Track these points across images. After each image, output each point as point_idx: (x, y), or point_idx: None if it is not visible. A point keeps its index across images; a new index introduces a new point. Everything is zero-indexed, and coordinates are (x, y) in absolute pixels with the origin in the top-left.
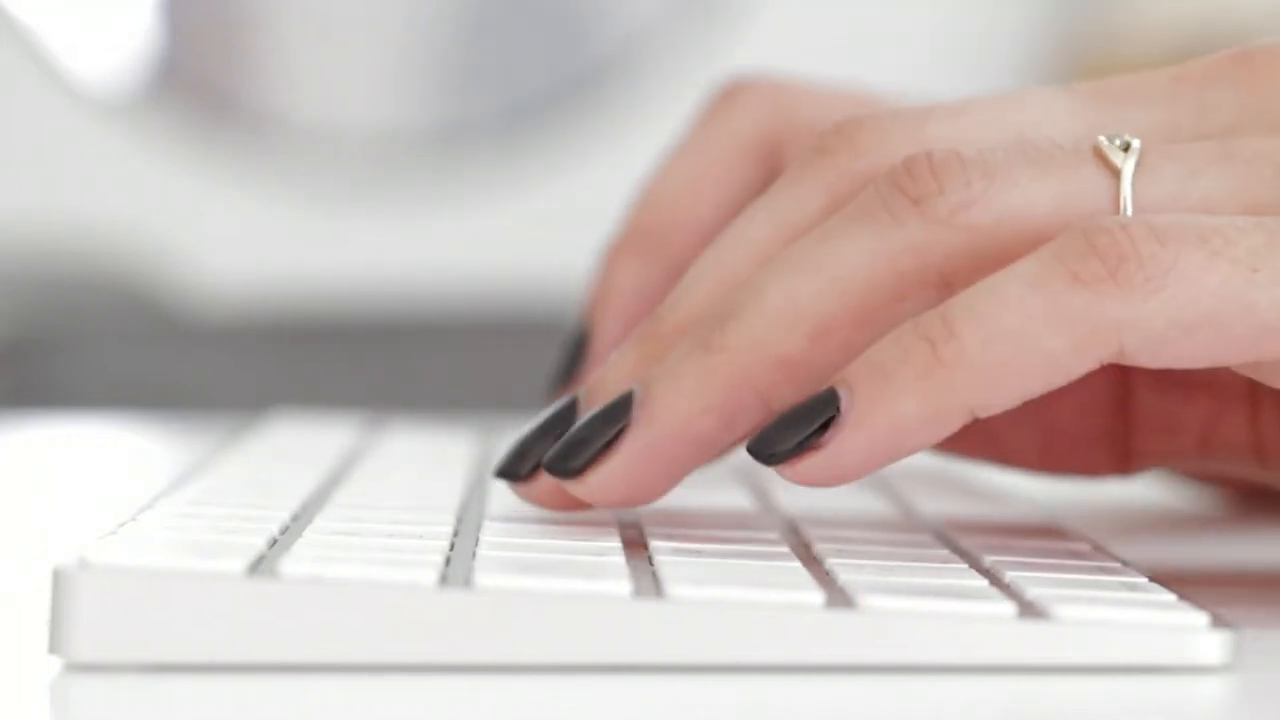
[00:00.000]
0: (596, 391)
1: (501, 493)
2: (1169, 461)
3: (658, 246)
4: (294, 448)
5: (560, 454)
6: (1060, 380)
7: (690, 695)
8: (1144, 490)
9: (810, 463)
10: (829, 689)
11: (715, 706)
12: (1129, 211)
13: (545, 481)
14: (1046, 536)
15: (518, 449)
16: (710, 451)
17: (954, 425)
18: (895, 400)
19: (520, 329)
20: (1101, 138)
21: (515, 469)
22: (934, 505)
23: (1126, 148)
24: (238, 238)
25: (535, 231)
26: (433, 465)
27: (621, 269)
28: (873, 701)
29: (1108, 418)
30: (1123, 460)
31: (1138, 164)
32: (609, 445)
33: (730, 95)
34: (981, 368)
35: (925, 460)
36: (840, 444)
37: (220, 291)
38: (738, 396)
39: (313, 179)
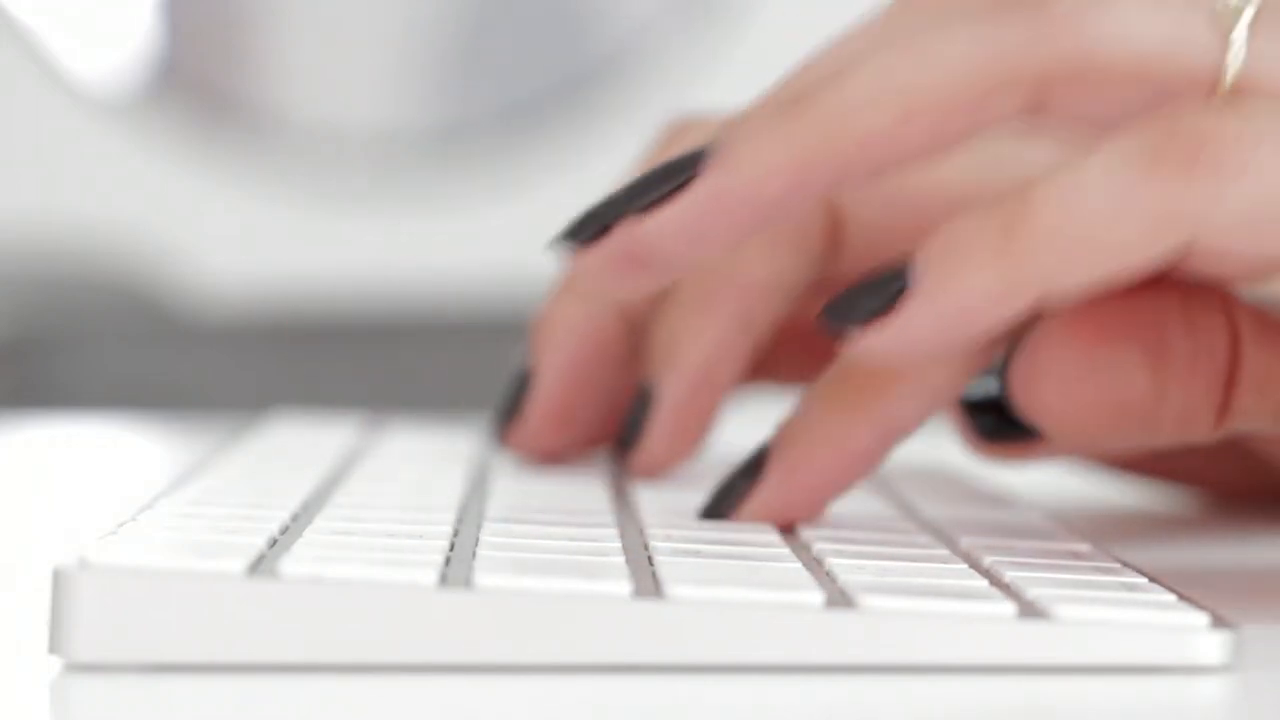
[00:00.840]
0: (727, 152)
1: (501, 493)
2: (1252, 422)
3: None
4: (294, 448)
5: (627, 193)
6: (1132, 266)
7: (690, 695)
8: (1144, 490)
9: (880, 332)
10: (829, 689)
11: (715, 706)
12: (1239, 60)
13: (605, 246)
14: (1046, 536)
15: (634, 186)
16: (771, 216)
17: (1024, 305)
18: (966, 274)
19: (520, 329)
20: None
21: (624, 205)
22: (934, 505)
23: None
24: (238, 238)
25: (535, 231)
26: (433, 465)
27: (568, 305)
28: (873, 701)
29: (1226, 373)
30: (1219, 419)
31: (1255, 17)
32: (678, 190)
33: (673, 134)
34: (1054, 249)
35: (925, 460)
36: (909, 314)
37: (220, 291)
38: (813, 164)
39: (313, 179)
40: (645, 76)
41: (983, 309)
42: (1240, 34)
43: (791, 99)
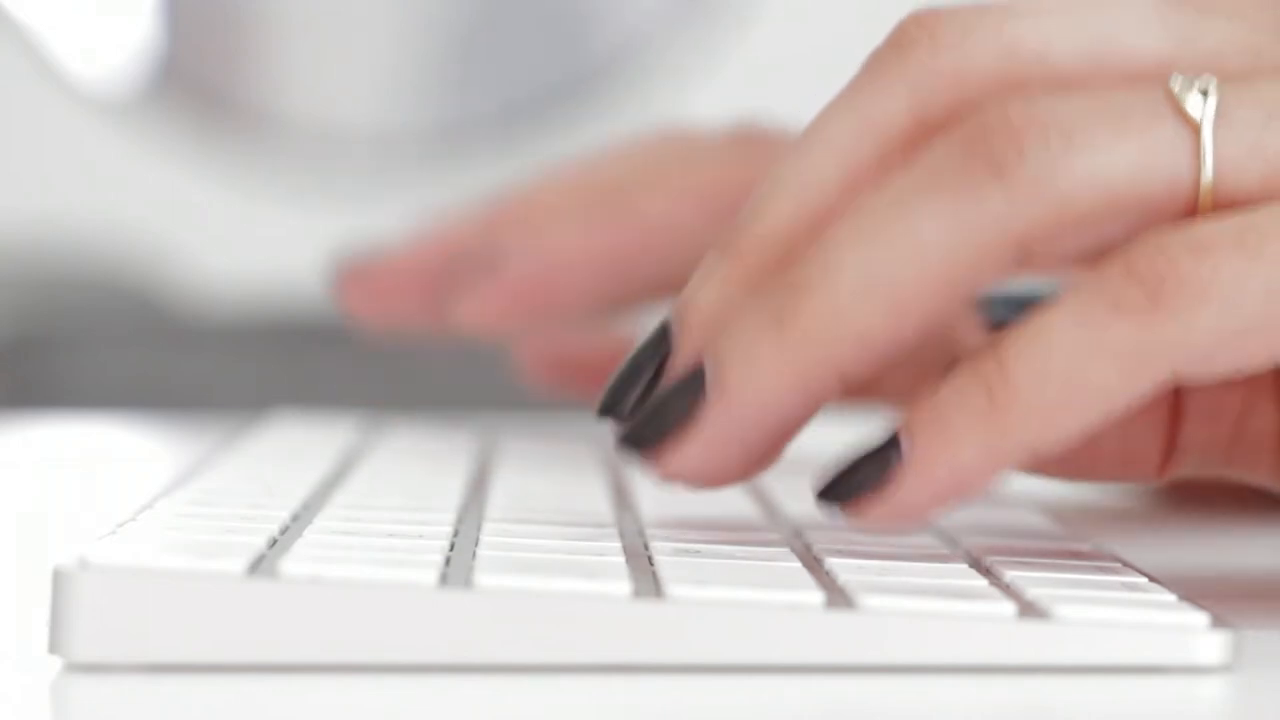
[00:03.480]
0: (684, 314)
1: (501, 493)
2: (1202, 458)
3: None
4: (294, 448)
5: (636, 434)
6: (1118, 410)
7: (690, 695)
8: (1143, 491)
9: (874, 508)
10: (829, 689)
11: (715, 706)
12: (1209, 165)
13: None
14: (1046, 537)
15: (614, 386)
16: (792, 427)
17: (1015, 466)
18: (954, 447)
19: None
20: (1175, 83)
21: (616, 408)
22: None
23: (1205, 92)
24: (238, 238)
25: None
26: (433, 465)
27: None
28: (873, 701)
29: (1167, 404)
30: (1166, 456)
31: (1216, 113)
32: (685, 422)
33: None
34: (1036, 409)
35: None
36: (903, 491)
37: (220, 291)
38: (815, 375)
39: (313, 179)
40: (645, 76)
41: (974, 477)
42: (1208, 132)
43: (775, 310)
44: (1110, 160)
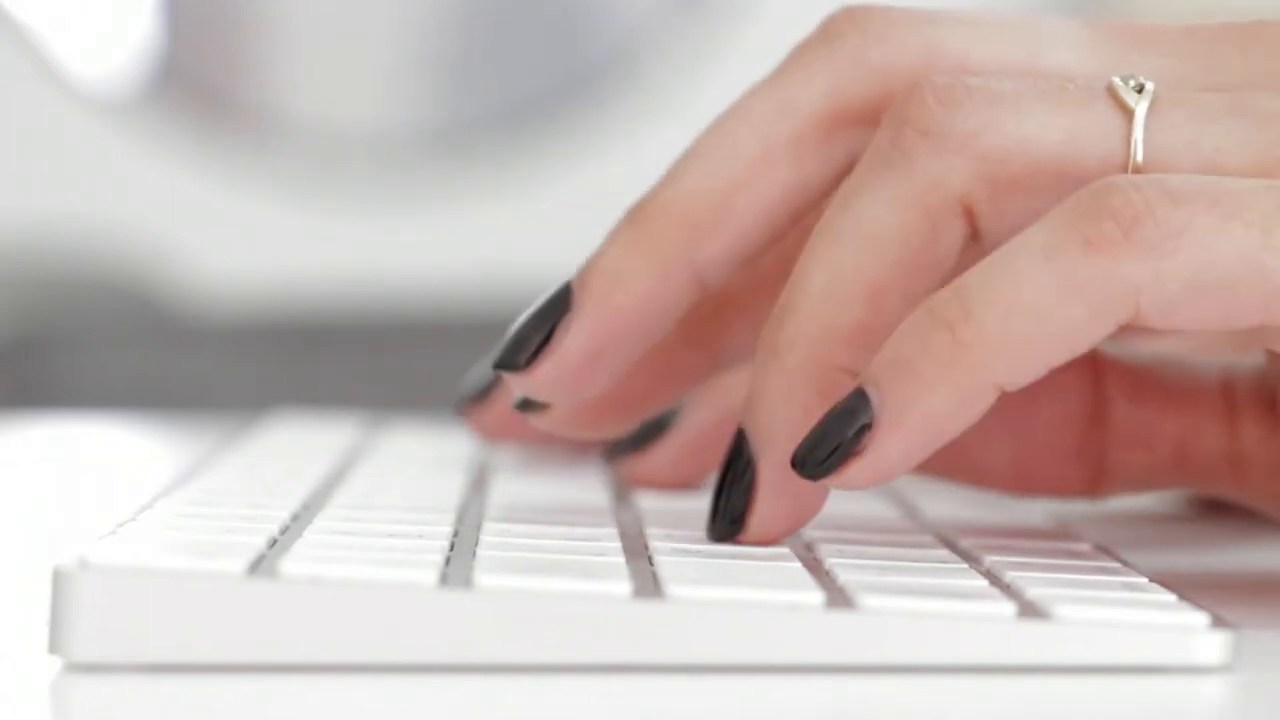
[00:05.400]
0: (586, 276)
1: (501, 493)
2: (1144, 480)
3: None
4: (294, 448)
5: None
6: (1082, 347)
7: (690, 695)
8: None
9: (854, 470)
10: (829, 689)
11: (715, 706)
12: (1139, 154)
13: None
14: (1046, 536)
15: (513, 341)
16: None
17: (986, 404)
18: (924, 394)
19: None
20: (1115, 77)
21: (514, 359)
22: (935, 506)
23: (1140, 89)
24: (238, 238)
25: (535, 231)
26: (433, 465)
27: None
28: (873, 701)
29: (1081, 431)
30: (1096, 478)
31: (1150, 106)
32: (750, 485)
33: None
34: (1003, 344)
35: None
36: (879, 447)
37: (220, 291)
38: (826, 383)
39: (313, 179)
40: (646, 75)
41: (947, 421)
42: (1140, 122)
43: (769, 343)
44: (1040, 126)
